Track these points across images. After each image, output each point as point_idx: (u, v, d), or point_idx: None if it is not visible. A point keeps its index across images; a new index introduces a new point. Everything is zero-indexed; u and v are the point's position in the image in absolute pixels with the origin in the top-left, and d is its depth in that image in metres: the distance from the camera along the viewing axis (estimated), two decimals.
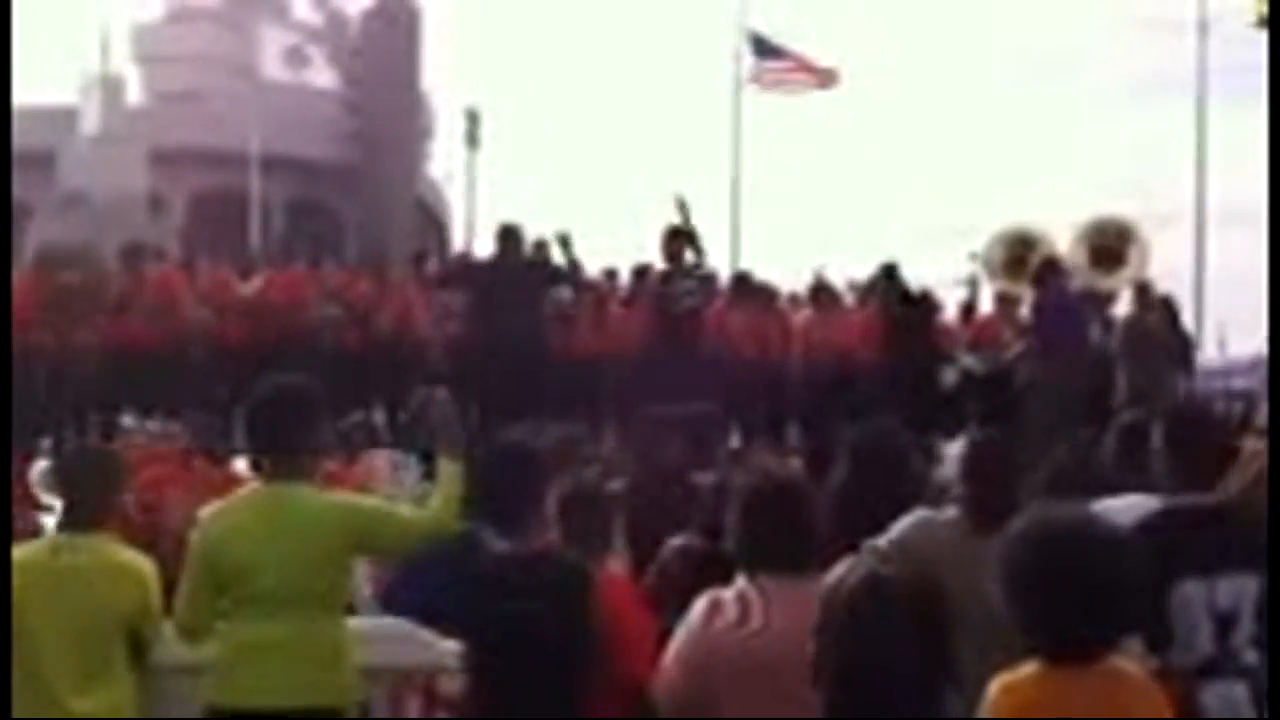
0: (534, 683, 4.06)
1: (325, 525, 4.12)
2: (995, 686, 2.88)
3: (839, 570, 2.90)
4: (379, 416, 11.89)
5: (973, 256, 17.00)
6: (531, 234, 11.80)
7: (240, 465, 7.29)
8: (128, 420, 10.94)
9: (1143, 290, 12.68)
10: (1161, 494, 3.98)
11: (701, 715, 3.63)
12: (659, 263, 11.30)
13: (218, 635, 4.16)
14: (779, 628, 3.47)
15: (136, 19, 34.07)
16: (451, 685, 4.35)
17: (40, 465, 7.83)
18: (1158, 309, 12.54)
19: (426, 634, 4.44)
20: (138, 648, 4.50)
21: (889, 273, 12.78)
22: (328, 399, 4.56)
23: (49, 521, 5.70)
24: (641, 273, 12.48)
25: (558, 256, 11.56)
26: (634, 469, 6.84)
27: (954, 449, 5.33)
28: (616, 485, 6.14)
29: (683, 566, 4.83)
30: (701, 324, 11.25)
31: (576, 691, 4.10)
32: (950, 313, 14.31)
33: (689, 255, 10.95)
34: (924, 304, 13.06)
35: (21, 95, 18.82)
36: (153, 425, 10.26)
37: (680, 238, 10.92)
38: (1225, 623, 3.57)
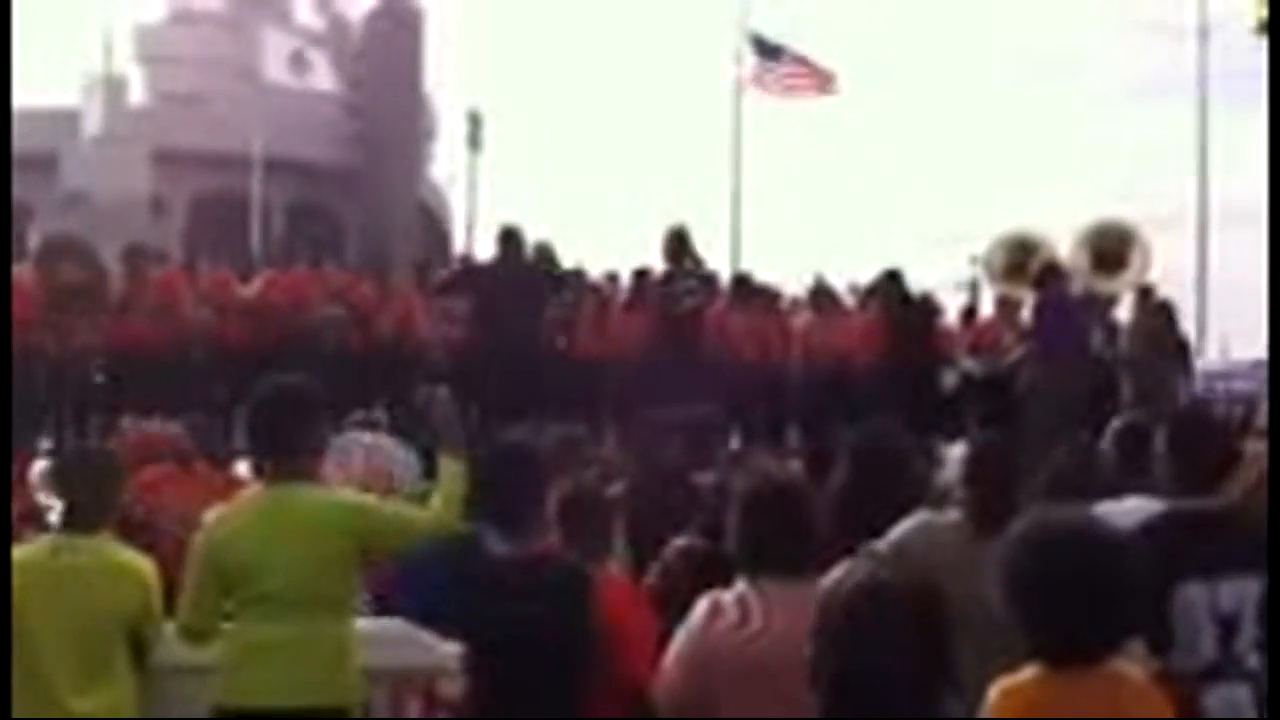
0: (534, 685, 4.06)
1: (329, 526, 4.12)
2: (996, 690, 2.87)
3: (836, 573, 2.89)
4: (380, 417, 11.88)
5: (974, 260, 17.02)
6: (533, 236, 11.83)
7: (242, 468, 7.29)
8: (127, 423, 10.93)
9: (1144, 294, 12.68)
10: (1163, 497, 3.98)
11: (702, 717, 3.62)
12: (660, 264, 11.32)
13: (223, 636, 4.17)
14: (779, 630, 3.47)
15: (139, 21, 34.10)
16: (452, 687, 4.35)
17: (40, 466, 7.82)
18: (1158, 313, 12.55)
19: (427, 636, 4.44)
20: (138, 648, 4.50)
21: (891, 276, 12.79)
22: (328, 399, 4.56)
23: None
24: (642, 275, 12.49)
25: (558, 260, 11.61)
26: (634, 470, 6.84)
27: (955, 452, 5.33)
28: (617, 487, 6.14)
29: (685, 567, 4.83)
30: (702, 326, 11.26)
31: (576, 693, 4.10)
32: (951, 316, 14.32)
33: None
34: (924, 307, 13.07)
35: (24, 96, 18.87)
36: (152, 427, 10.24)
37: (681, 240, 10.95)
38: (1228, 626, 3.57)
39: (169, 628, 4.41)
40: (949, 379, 12.93)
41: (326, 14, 36.96)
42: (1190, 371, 13.68)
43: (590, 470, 6.37)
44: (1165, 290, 13.15)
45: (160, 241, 16.02)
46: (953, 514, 4.33)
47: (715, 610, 3.64)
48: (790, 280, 14.71)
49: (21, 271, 10.63)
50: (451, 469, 4.30)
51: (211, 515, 4.27)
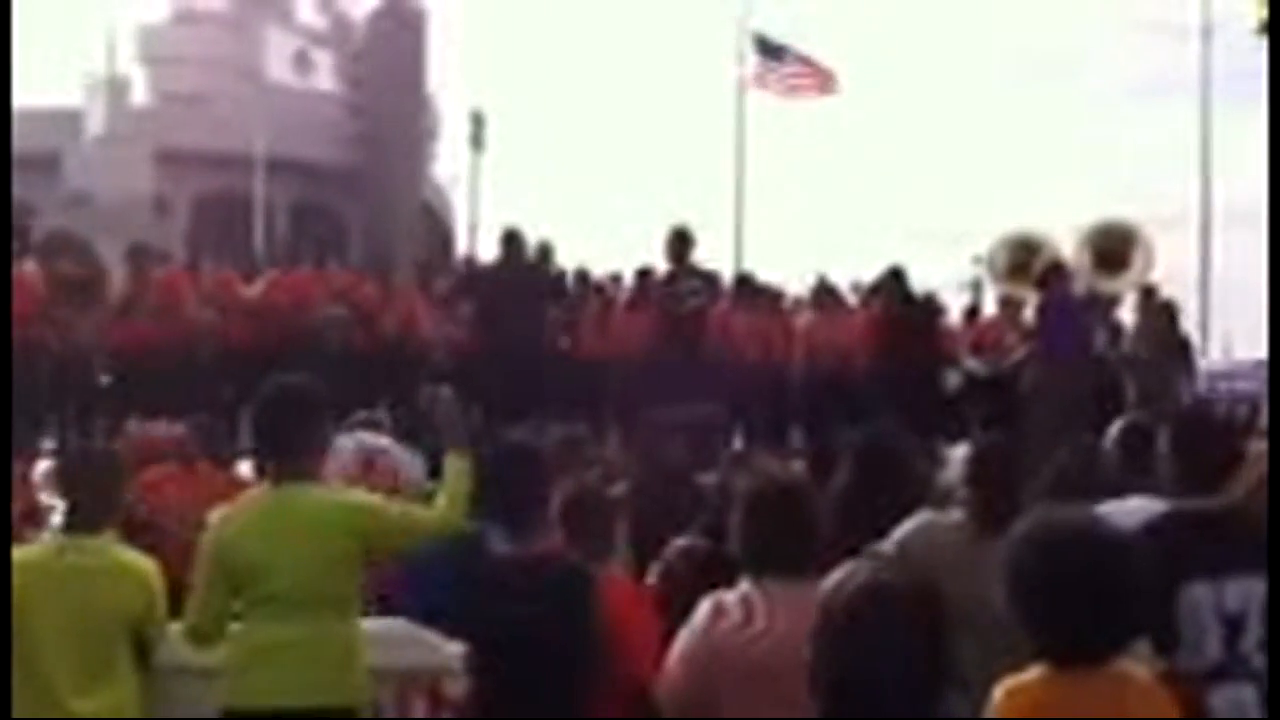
0: (537, 685, 4.06)
1: (334, 526, 4.12)
2: (1001, 690, 2.87)
3: (838, 575, 2.88)
4: (382, 417, 11.88)
5: (977, 260, 17.00)
6: (536, 236, 11.85)
7: (245, 468, 7.30)
8: (133, 424, 10.93)
9: (1147, 294, 12.67)
10: (1166, 497, 3.98)
11: (705, 717, 3.62)
12: (662, 264, 11.32)
13: (231, 638, 4.17)
14: (782, 630, 3.46)
15: (142, 21, 34.15)
16: (455, 687, 4.35)
17: (43, 466, 7.83)
18: (1161, 313, 12.53)
19: (431, 636, 4.44)
20: (141, 649, 4.50)
21: (894, 275, 12.78)
22: (332, 399, 4.56)
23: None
24: (645, 274, 12.50)
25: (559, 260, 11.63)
26: (637, 470, 6.84)
27: (958, 453, 5.33)
28: (620, 487, 6.14)
29: (687, 567, 4.83)
30: (705, 326, 11.26)
31: (579, 693, 4.10)
32: (954, 316, 14.31)
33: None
34: (927, 307, 13.06)
35: (26, 96, 18.91)
36: (155, 427, 10.25)
37: (684, 240, 10.95)
38: (1233, 626, 3.56)
39: (174, 629, 4.41)
40: (952, 379, 12.91)
41: (329, 14, 36.98)
42: (1193, 372, 13.67)
43: (593, 470, 6.37)
44: (1168, 290, 13.14)
45: (163, 242, 16.03)
46: (955, 514, 4.33)
47: (718, 610, 3.63)
48: (793, 279, 14.74)
49: (25, 266, 10.63)
50: (456, 467, 4.31)
51: (217, 515, 4.27)
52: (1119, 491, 4.35)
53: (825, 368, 12.81)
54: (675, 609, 4.07)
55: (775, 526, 3.69)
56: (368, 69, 34.82)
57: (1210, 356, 18.98)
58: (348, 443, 6.45)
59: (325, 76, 36.11)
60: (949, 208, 67.21)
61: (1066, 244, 12.52)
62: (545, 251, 12.16)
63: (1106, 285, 12.72)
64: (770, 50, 23.59)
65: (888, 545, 4.10)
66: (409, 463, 6.69)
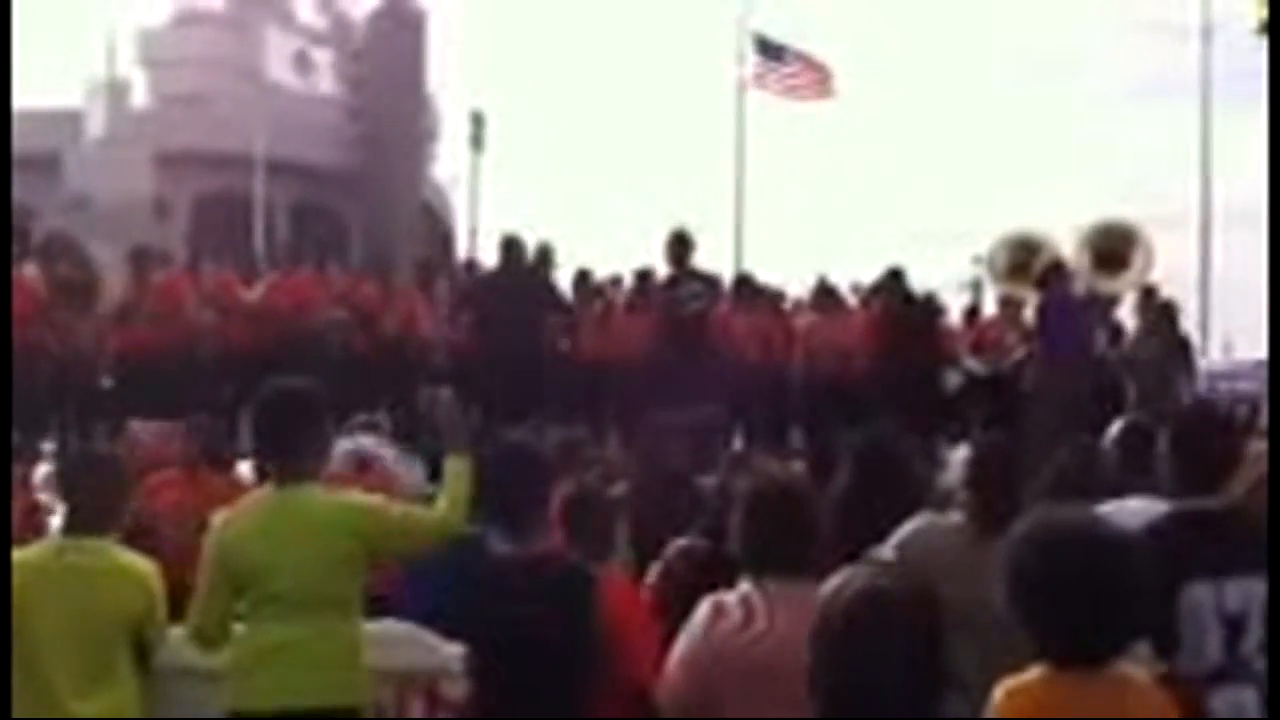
0: (536, 686, 4.05)
1: (336, 527, 4.13)
2: (1001, 691, 2.86)
3: (835, 581, 2.88)
4: (382, 419, 11.89)
5: (976, 260, 17.00)
6: (536, 237, 11.85)
7: (245, 469, 7.29)
8: (136, 426, 10.94)
9: (1147, 294, 12.66)
10: (1166, 497, 3.97)
11: (705, 717, 3.62)
12: (662, 266, 11.32)
13: (234, 640, 4.18)
14: (783, 631, 3.46)
15: (142, 23, 34.21)
16: (455, 688, 4.35)
17: (44, 468, 7.83)
18: (1161, 313, 12.53)
19: (430, 637, 4.44)
20: (141, 651, 4.49)
21: (894, 275, 12.77)
22: (332, 401, 4.56)
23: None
24: (645, 276, 12.49)
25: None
26: (637, 471, 6.84)
27: (958, 454, 5.33)
28: (620, 488, 6.14)
29: (687, 568, 4.83)
30: (706, 327, 11.26)
31: (579, 694, 4.09)
32: (954, 316, 14.31)
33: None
34: (927, 307, 13.05)
35: (27, 98, 18.91)
36: (154, 429, 10.25)
37: (684, 243, 10.95)
38: (1234, 627, 3.55)
39: (175, 631, 4.41)
40: (952, 379, 12.91)
41: (329, 14, 36.98)
42: (1193, 372, 13.66)
43: (593, 471, 6.38)
44: (1168, 290, 13.13)
45: (163, 243, 16.02)
46: (955, 516, 4.33)
47: (719, 611, 3.63)
48: (793, 280, 14.73)
49: (25, 269, 10.63)
50: (457, 468, 4.31)
51: (219, 518, 4.27)
52: (1119, 491, 4.35)
53: (825, 369, 12.80)
54: (675, 609, 4.07)
55: (775, 527, 3.69)
56: (368, 70, 34.86)
57: (1210, 356, 18.99)
58: (345, 444, 6.45)
59: (325, 77, 36.12)
60: (949, 208, 67.26)
61: (1066, 244, 12.52)
62: (545, 254, 12.15)
63: (1106, 285, 12.71)
64: (770, 50, 23.61)
65: (886, 549, 4.10)
66: (404, 470, 6.69)
